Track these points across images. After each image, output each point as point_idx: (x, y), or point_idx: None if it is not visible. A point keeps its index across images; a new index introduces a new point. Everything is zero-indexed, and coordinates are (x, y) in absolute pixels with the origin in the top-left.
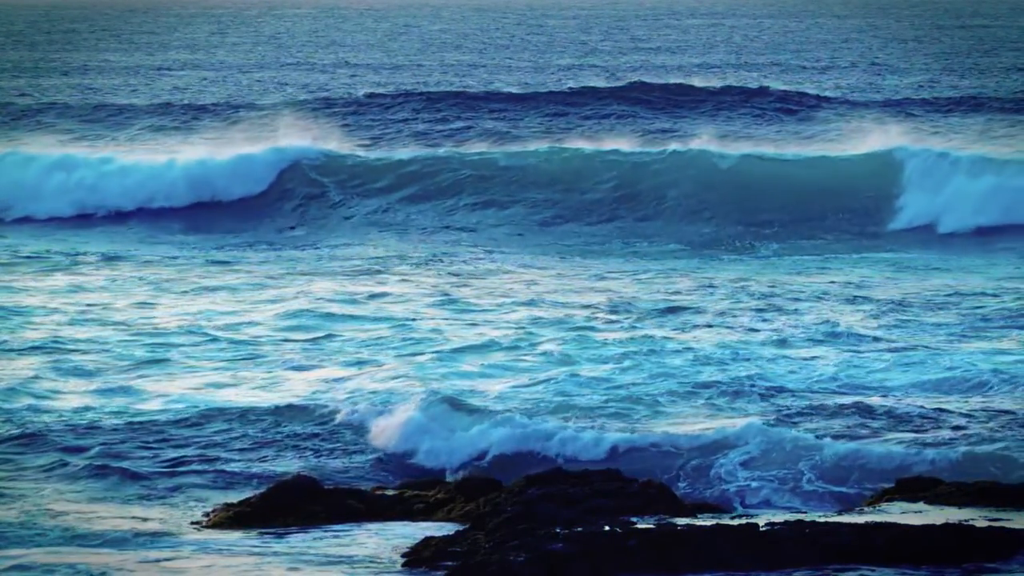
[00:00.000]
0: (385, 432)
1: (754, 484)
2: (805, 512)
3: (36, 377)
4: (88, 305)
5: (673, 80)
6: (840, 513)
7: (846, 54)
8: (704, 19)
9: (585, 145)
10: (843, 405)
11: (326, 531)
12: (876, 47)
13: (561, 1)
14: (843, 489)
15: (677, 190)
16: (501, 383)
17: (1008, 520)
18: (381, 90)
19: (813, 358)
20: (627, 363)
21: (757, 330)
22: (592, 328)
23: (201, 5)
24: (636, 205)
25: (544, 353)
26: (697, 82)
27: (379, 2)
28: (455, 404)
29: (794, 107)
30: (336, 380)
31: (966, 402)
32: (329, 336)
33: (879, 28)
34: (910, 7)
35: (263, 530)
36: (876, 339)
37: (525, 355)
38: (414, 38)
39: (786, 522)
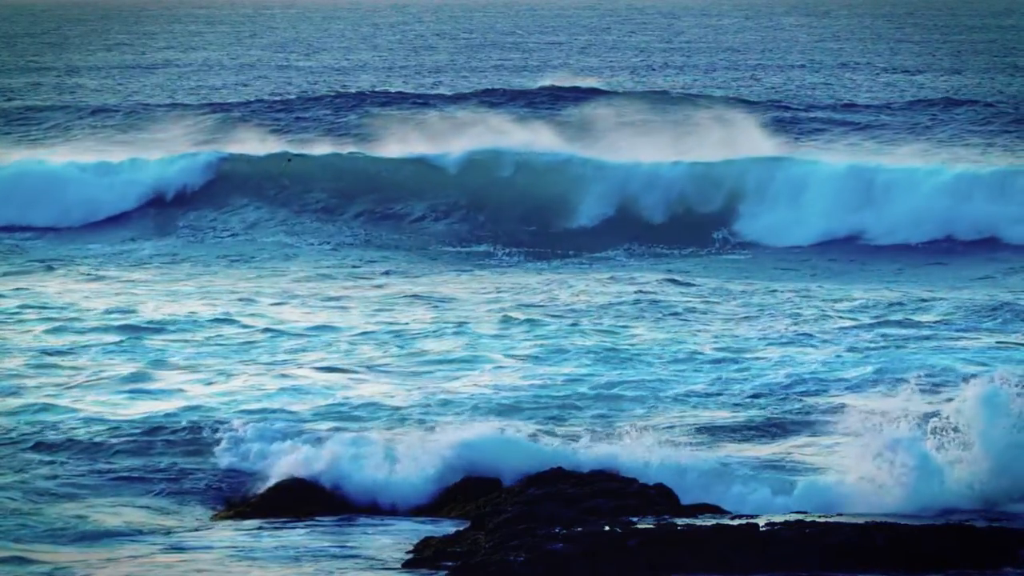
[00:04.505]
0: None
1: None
2: (805, 512)
3: (27, 378)
4: (67, 312)
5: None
6: (840, 513)
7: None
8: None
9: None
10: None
11: (326, 530)
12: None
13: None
14: None
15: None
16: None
17: (1008, 520)
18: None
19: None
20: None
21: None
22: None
23: (194, 3)
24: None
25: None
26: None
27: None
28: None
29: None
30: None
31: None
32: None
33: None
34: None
35: (264, 529)
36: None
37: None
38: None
39: (786, 522)
